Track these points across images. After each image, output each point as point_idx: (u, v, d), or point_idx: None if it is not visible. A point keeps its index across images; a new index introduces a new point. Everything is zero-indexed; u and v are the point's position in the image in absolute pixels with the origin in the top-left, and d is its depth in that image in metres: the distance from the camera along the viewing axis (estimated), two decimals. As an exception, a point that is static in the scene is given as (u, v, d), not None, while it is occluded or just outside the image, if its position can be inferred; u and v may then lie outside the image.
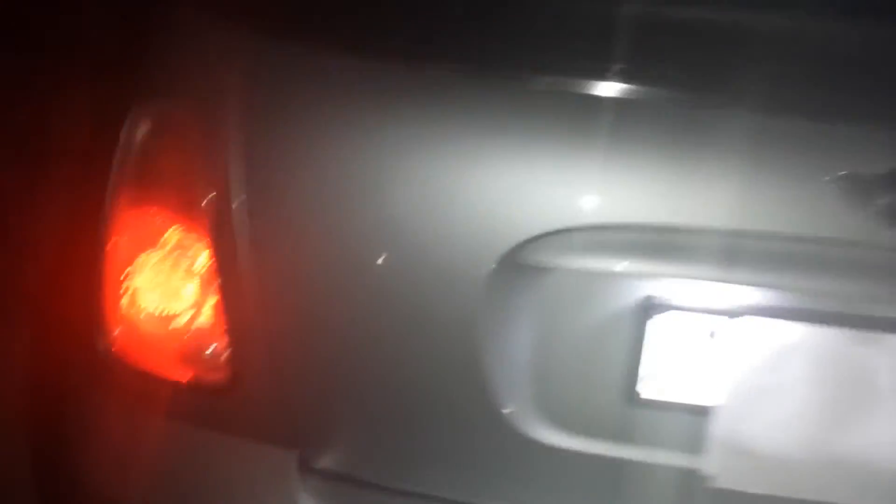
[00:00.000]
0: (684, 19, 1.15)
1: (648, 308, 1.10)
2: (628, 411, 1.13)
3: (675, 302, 1.10)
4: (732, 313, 1.09)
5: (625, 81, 1.09)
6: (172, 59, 1.26)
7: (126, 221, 1.23)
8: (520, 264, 1.10)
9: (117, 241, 1.23)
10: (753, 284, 1.09)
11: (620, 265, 1.09)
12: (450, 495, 1.19)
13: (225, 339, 1.19)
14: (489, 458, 1.16)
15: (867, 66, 1.09)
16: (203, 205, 1.17)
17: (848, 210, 1.04)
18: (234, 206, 1.15)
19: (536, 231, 1.09)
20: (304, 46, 1.17)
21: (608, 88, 1.10)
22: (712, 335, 1.10)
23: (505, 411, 1.13)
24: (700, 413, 1.10)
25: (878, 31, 1.11)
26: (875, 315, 1.08)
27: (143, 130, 1.23)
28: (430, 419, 1.17)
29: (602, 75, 1.09)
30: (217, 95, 1.18)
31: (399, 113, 1.12)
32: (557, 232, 1.09)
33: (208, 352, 1.21)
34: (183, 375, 1.23)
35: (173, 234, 1.21)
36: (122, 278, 1.22)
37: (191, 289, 1.21)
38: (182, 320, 1.22)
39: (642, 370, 1.11)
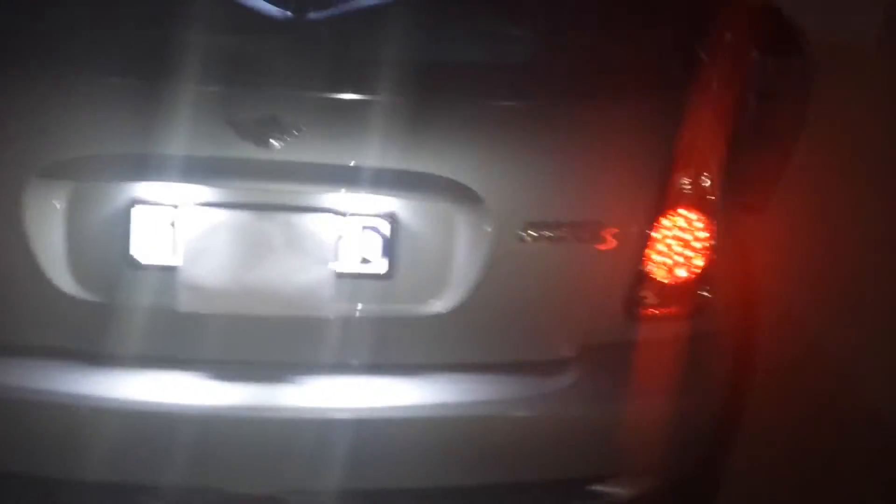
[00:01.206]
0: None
1: (133, 203, 1.79)
2: (130, 271, 1.82)
3: (151, 199, 1.80)
4: (185, 204, 1.79)
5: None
6: None
7: None
8: (53, 177, 1.76)
9: None
10: (196, 185, 1.79)
11: (115, 176, 1.78)
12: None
13: None
14: (36, 311, 1.82)
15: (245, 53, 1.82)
16: None
17: (240, 138, 1.75)
18: None
19: (63, 157, 1.76)
20: None
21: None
22: (176, 219, 1.80)
23: (48, 277, 1.79)
24: (173, 269, 1.80)
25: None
26: (268, 202, 1.82)
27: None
28: None
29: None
30: None
31: None
32: (78, 158, 1.76)
33: None
34: None
35: None
36: None
37: None
38: None
39: (133, 244, 1.80)
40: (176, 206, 1.80)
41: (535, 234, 1.87)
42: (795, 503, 2.71)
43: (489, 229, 1.85)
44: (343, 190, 1.82)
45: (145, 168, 1.78)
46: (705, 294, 2.02)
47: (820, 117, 3.36)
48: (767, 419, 2.93)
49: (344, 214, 1.82)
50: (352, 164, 1.81)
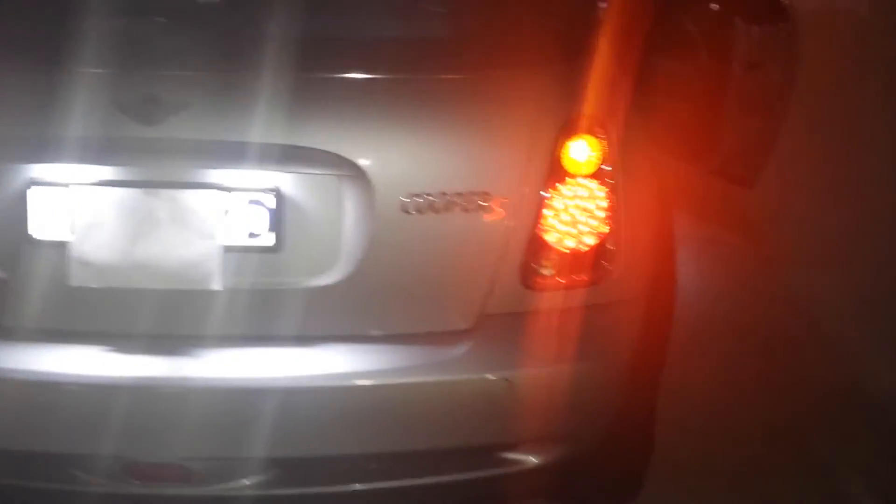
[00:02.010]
0: None
1: (30, 183, 1.87)
2: (28, 248, 1.90)
3: (45, 179, 1.88)
4: (77, 182, 1.86)
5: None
6: None
7: None
8: None
9: None
10: (87, 164, 1.86)
11: (11, 158, 1.87)
12: None
13: None
14: None
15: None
16: None
17: (125, 117, 1.81)
18: None
19: None
20: None
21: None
22: (69, 197, 1.87)
23: None
24: (64, 245, 1.87)
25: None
26: (154, 178, 1.88)
27: None
28: None
29: None
30: None
31: None
32: None
33: None
34: None
35: None
36: None
37: None
38: None
39: (31, 222, 1.88)
40: (68, 185, 1.87)
41: (419, 205, 1.89)
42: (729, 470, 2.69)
43: (373, 202, 1.88)
44: (227, 165, 1.87)
45: (38, 149, 1.86)
46: (606, 263, 2.03)
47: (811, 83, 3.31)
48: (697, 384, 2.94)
49: (229, 189, 1.88)
50: (234, 139, 1.86)
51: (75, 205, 1.86)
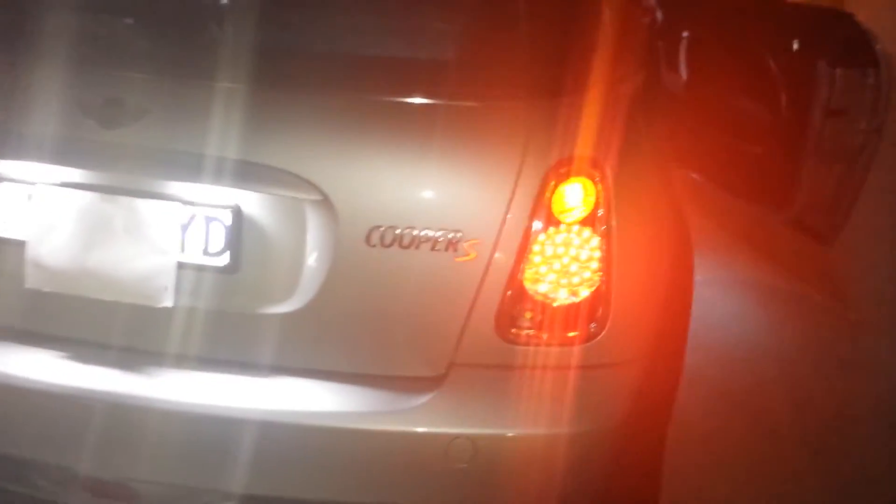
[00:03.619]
0: None
1: (-5, 180, 1.82)
2: (-8, 245, 1.85)
3: (9, 175, 1.83)
4: (39, 182, 1.80)
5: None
6: None
7: None
8: None
9: None
10: (49, 164, 1.80)
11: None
12: None
13: None
14: None
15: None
16: None
17: (86, 119, 1.74)
18: None
19: None
20: None
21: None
22: (30, 196, 1.82)
23: None
24: (20, 244, 1.82)
25: None
26: (113, 184, 1.79)
27: None
28: None
29: None
30: None
31: None
32: None
33: None
34: None
35: None
36: None
37: None
38: None
39: (-5, 218, 1.84)
40: (31, 184, 1.81)
41: (384, 239, 1.73)
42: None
43: (334, 230, 1.74)
44: (186, 177, 1.77)
45: (1, 145, 1.82)
46: (596, 320, 1.81)
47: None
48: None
49: (186, 203, 1.78)
50: (196, 151, 1.75)
51: (35, 204, 1.80)
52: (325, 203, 1.74)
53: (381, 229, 1.74)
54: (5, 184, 1.83)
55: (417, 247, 1.75)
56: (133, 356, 1.83)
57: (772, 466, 2.70)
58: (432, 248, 1.75)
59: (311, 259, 1.78)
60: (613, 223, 1.78)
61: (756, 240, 3.54)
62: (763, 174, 2.73)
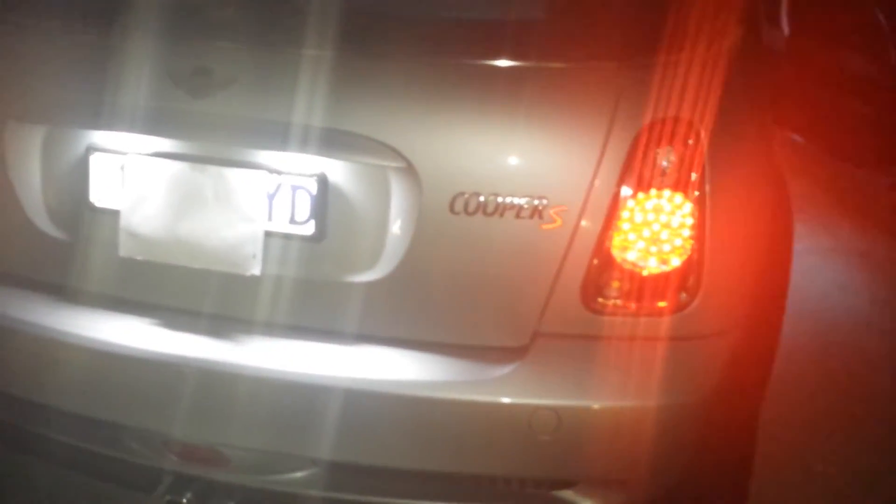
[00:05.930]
0: None
1: (91, 149, 1.87)
2: (90, 214, 1.90)
3: (104, 146, 1.87)
4: (132, 152, 1.84)
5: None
6: None
7: None
8: (26, 121, 1.89)
9: None
10: (141, 134, 1.83)
11: (74, 123, 1.88)
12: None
13: None
14: (19, 246, 1.96)
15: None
16: None
17: (176, 88, 1.76)
18: None
19: (31, 102, 1.88)
20: None
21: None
22: (122, 166, 1.85)
23: (28, 215, 1.93)
24: (115, 213, 1.86)
25: None
26: (202, 154, 1.82)
27: None
28: None
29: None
30: None
31: None
32: (43, 103, 1.88)
33: None
34: None
35: None
36: None
37: None
38: None
39: (91, 188, 1.88)
40: (125, 154, 1.85)
41: (468, 206, 1.71)
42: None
43: (418, 197, 1.72)
44: (273, 146, 1.78)
45: (98, 116, 1.85)
46: (687, 290, 1.75)
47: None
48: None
49: (273, 172, 1.78)
50: (281, 119, 1.75)
51: (128, 174, 1.84)
52: (409, 170, 1.73)
53: (465, 196, 1.71)
54: (99, 154, 1.87)
55: (502, 214, 1.72)
56: (222, 324, 1.86)
57: (867, 445, 2.60)
58: (517, 216, 1.72)
59: (395, 227, 1.77)
60: (707, 189, 1.72)
61: (861, 206, 3.37)
62: (870, 136, 2.59)
